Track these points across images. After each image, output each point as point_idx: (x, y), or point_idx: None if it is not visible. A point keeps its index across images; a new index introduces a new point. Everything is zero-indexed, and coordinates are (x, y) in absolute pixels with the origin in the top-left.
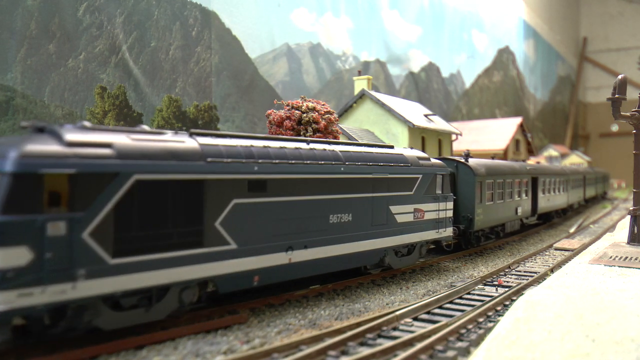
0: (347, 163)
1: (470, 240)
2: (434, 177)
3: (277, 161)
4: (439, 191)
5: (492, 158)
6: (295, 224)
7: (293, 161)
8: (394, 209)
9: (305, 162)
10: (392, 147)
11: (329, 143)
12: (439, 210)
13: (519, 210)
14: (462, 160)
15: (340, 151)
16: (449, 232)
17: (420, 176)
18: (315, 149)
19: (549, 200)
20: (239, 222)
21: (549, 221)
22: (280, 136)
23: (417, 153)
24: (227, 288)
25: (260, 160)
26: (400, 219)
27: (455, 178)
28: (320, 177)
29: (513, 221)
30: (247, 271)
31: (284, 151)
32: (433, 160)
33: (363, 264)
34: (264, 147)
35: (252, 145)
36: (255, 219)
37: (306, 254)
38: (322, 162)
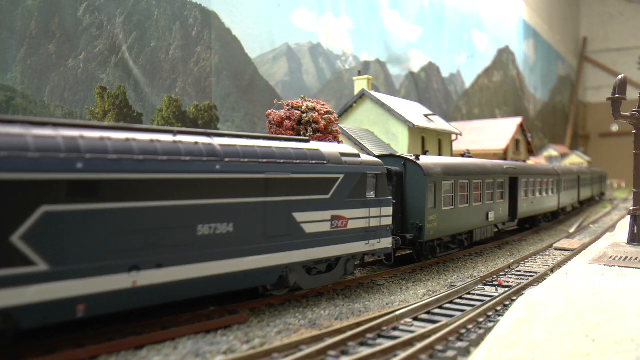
0: (226, 160)
1: (422, 252)
2: (362, 177)
3: (115, 157)
4: (370, 194)
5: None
6: (144, 238)
7: (142, 157)
8: (300, 216)
9: (160, 158)
10: (306, 140)
11: (210, 135)
12: (369, 217)
13: (491, 215)
14: (411, 158)
15: (221, 145)
16: (385, 243)
17: (342, 176)
18: (181, 142)
19: (533, 204)
20: (53, 235)
21: (535, 226)
22: (134, 125)
23: (341, 148)
24: (35, 322)
25: (88, 156)
26: (309, 228)
27: (403, 179)
28: (183, 178)
29: (483, 228)
30: (65, 299)
31: (130, 144)
32: (364, 158)
33: (253, 285)
34: (100, 138)
35: (81, 137)
36: (81, 231)
37: (160, 275)
38: (188, 159)
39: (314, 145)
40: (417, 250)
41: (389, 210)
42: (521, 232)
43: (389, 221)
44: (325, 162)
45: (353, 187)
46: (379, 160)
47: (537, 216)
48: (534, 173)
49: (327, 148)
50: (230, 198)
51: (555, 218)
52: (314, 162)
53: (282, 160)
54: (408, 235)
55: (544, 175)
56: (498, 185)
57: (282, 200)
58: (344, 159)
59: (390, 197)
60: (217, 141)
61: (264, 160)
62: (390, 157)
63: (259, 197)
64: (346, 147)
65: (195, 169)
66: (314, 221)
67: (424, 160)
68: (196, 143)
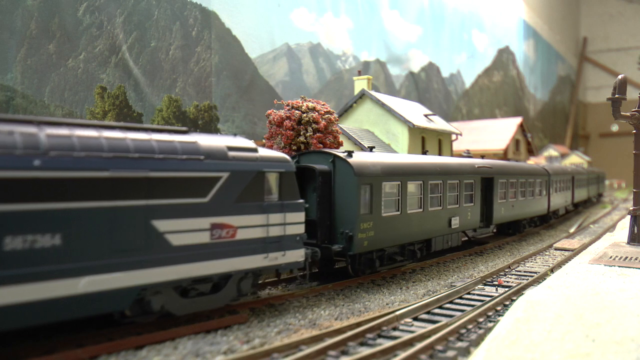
0: (52, 154)
1: (354, 267)
2: (258, 176)
3: None
4: (271, 197)
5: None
6: None
7: None
8: (163, 225)
9: None
10: (183, 131)
11: (37, 123)
12: (269, 225)
13: (455, 221)
14: (341, 155)
15: (49, 135)
16: (293, 256)
17: (226, 175)
18: None
19: (514, 207)
20: None
21: (518, 232)
22: None
23: (231, 141)
24: None
25: None
26: (178, 239)
27: (331, 180)
28: None
29: (446, 236)
30: None
31: None
32: (264, 152)
33: (96, 312)
34: None
35: None
36: None
37: None
38: None
39: (191, 137)
40: (352, 264)
41: (298, 217)
42: (499, 237)
43: (298, 229)
44: (201, 157)
45: (244, 189)
46: (284, 156)
47: (520, 221)
48: (515, 173)
49: (209, 141)
50: (57, 202)
51: (545, 222)
52: (185, 157)
53: (137, 155)
54: (335, 246)
55: (529, 175)
56: (466, 187)
57: (137, 204)
58: (232, 153)
59: (301, 201)
60: (46, 131)
61: (110, 155)
62: (316, 154)
63: (101, 201)
64: (239, 140)
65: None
66: (184, 231)
67: (358, 157)
68: (10, 133)
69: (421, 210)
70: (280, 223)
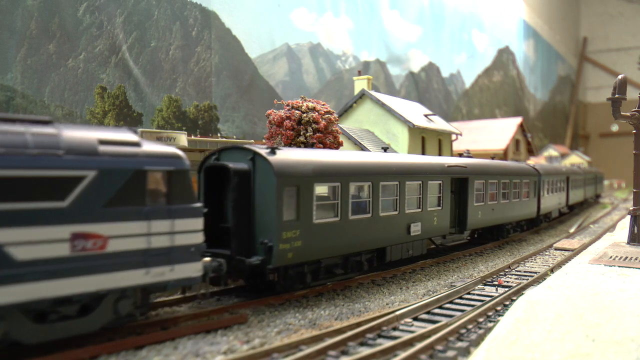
0: None
1: (280, 281)
2: (137, 176)
3: None
4: (155, 201)
5: (492, 158)
6: None
7: None
8: (1, 235)
9: None
10: (46, 122)
11: None
12: (151, 234)
13: (416, 227)
14: (262, 152)
15: None
16: (185, 270)
17: (92, 174)
18: None
19: (495, 210)
20: None
21: (501, 237)
22: None
23: (103, 134)
24: None
25: None
26: (24, 253)
27: (250, 181)
28: None
29: (405, 244)
30: None
31: None
32: (148, 147)
33: None
34: None
35: None
36: None
37: None
38: None
39: (53, 128)
40: (280, 279)
41: (193, 224)
42: (474, 245)
43: (194, 239)
44: (60, 152)
45: (118, 191)
46: (175, 151)
47: (503, 225)
48: (496, 173)
49: (76, 133)
50: None
51: (535, 226)
52: (37, 152)
53: None
54: (254, 258)
55: (514, 175)
56: (432, 189)
57: None
58: (103, 148)
59: (198, 205)
60: None
61: None
62: (237, 150)
63: None
64: (117, 133)
65: None
66: (34, 242)
67: (283, 155)
68: None
69: (369, 215)
70: (168, 232)
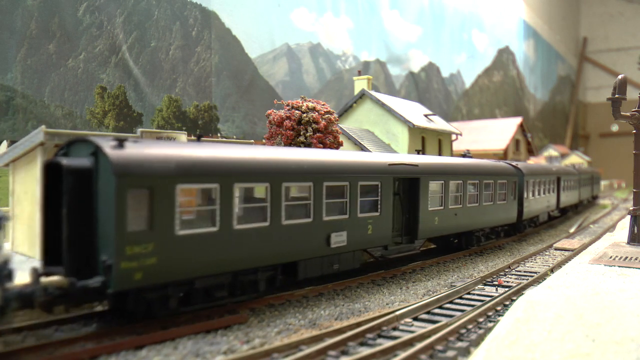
0: None
1: (133, 308)
2: None
3: None
4: None
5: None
6: None
7: None
8: None
9: None
10: None
11: None
12: None
13: (339, 237)
14: (103, 144)
15: None
16: None
17: None
18: None
19: (458, 216)
20: None
21: (470, 246)
22: None
23: None
24: None
25: None
26: None
27: (92, 181)
28: None
29: (325, 258)
30: None
31: None
32: None
33: None
34: None
35: None
36: None
37: None
38: None
39: None
40: (131, 304)
41: None
42: (430, 255)
43: None
44: None
45: None
46: None
47: (471, 232)
48: (460, 172)
49: None
50: None
51: (518, 232)
52: None
53: None
54: (93, 280)
55: (486, 175)
56: (364, 191)
57: None
58: None
59: None
60: None
61: None
62: (82, 144)
63: None
64: None
65: None
66: None
67: (133, 149)
68: None
69: (267, 223)
70: None
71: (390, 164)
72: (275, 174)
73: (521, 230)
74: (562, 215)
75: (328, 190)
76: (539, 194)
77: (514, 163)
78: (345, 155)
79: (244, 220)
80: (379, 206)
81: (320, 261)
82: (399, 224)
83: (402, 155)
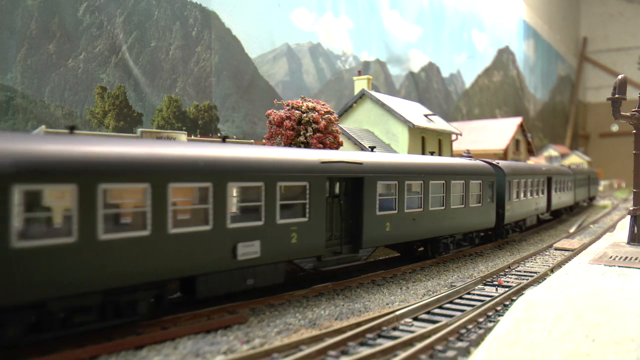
0: None
1: None
2: None
3: None
4: None
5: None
6: None
7: None
8: None
9: None
10: None
11: None
12: None
13: (248, 248)
14: None
15: None
16: None
17: None
18: None
19: (415, 221)
20: None
21: (437, 255)
22: None
23: None
24: None
25: None
26: None
27: None
28: None
29: (233, 272)
30: None
31: None
32: None
33: None
34: None
35: None
36: None
37: None
38: None
39: None
40: None
41: None
42: (375, 268)
43: None
44: None
45: None
46: None
47: (437, 239)
48: (419, 172)
49: None
50: None
51: (499, 237)
52: None
53: None
54: None
55: (454, 175)
56: (285, 193)
57: None
58: None
59: None
60: None
61: None
62: None
63: None
64: None
65: None
66: None
67: None
68: None
69: (147, 232)
70: None
71: (323, 162)
72: (157, 172)
73: (503, 235)
74: (555, 219)
75: (235, 193)
76: (524, 195)
77: (495, 162)
78: (259, 151)
79: (114, 229)
80: (307, 211)
81: (226, 276)
82: (339, 231)
83: (343, 152)
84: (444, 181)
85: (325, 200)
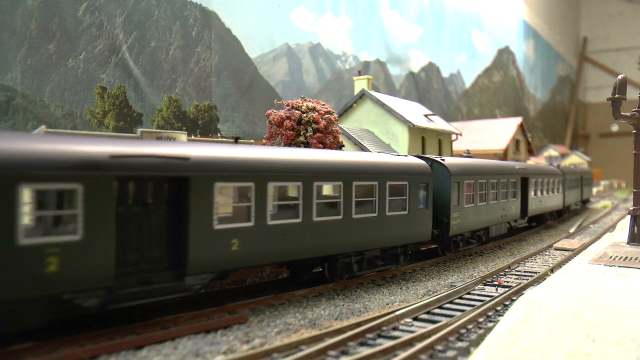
0: None
1: None
2: None
3: None
4: None
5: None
6: None
7: None
8: None
9: None
10: None
11: None
12: None
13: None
14: None
15: None
16: None
17: None
18: None
19: (287, 236)
20: None
21: (334, 279)
22: None
23: None
24: None
25: None
26: None
27: None
28: None
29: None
30: None
31: None
32: None
33: None
34: None
35: None
36: None
37: None
38: None
39: None
40: None
41: None
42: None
43: None
44: None
45: None
46: None
47: (334, 257)
48: (285, 170)
49: None
50: None
51: (447, 251)
52: None
53: None
54: None
55: (354, 174)
56: (39, 203)
57: None
58: None
59: None
60: None
61: None
62: None
63: None
64: None
65: None
66: None
67: None
68: None
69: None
70: None
71: (113, 156)
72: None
73: (449, 249)
74: (539, 225)
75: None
76: (483, 200)
77: (440, 158)
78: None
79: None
80: (77, 226)
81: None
82: (148, 253)
83: (154, 143)
84: (340, 183)
85: (114, 210)
